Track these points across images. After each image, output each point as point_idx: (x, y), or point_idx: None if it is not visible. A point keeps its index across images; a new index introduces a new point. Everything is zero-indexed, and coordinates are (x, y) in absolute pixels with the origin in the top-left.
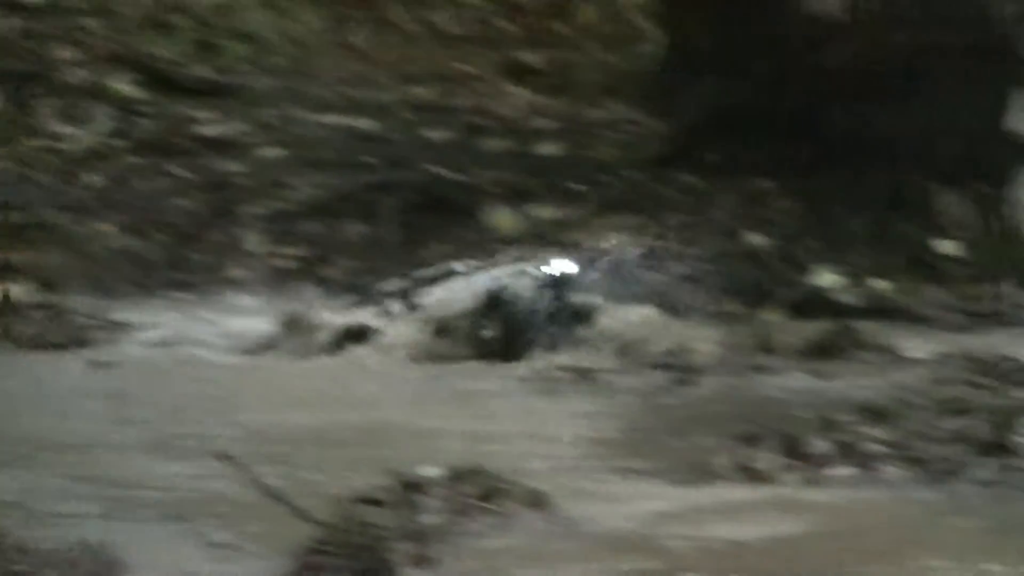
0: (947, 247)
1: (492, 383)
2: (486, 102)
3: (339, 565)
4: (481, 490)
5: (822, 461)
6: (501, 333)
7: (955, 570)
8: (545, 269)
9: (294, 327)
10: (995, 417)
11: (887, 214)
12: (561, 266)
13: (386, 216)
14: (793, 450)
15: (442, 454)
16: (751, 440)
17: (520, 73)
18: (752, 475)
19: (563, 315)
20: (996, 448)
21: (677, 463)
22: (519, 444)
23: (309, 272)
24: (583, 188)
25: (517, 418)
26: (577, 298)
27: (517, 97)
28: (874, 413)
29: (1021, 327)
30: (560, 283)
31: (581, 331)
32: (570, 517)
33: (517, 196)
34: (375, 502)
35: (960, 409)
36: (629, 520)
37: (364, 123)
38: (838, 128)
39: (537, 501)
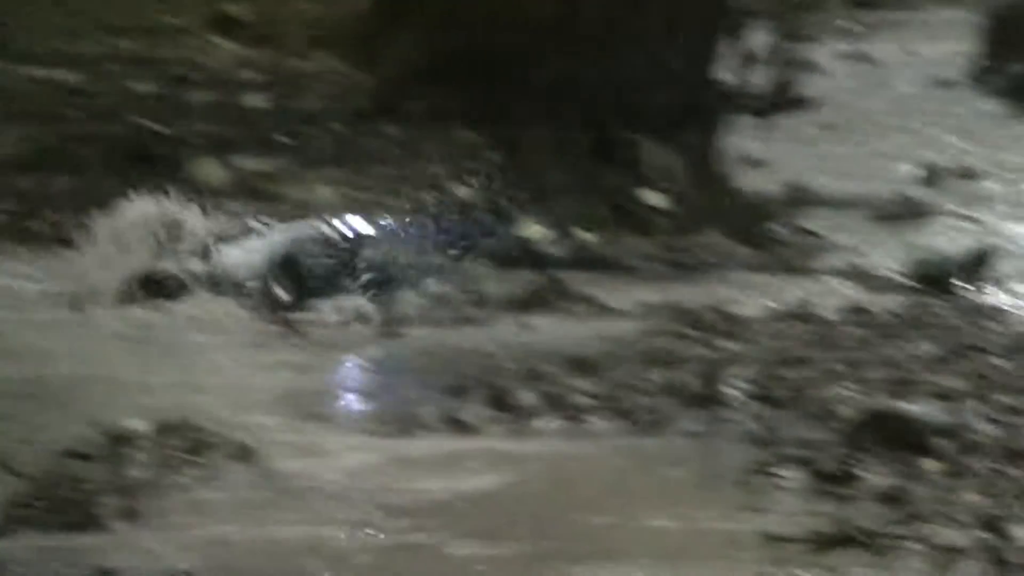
0: (653, 198)
1: (204, 336)
2: (192, 54)
3: (46, 519)
4: (188, 443)
5: (529, 413)
6: (293, 293)
7: (665, 519)
8: (340, 228)
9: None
10: (702, 368)
11: (593, 165)
12: (356, 225)
13: (91, 169)
14: (500, 402)
15: (150, 408)
16: (458, 392)
17: (226, 25)
18: (459, 427)
19: (355, 273)
20: (704, 399)
21: (384, 415)
22: (228, 396)
23: (16, 227)
24: (289, 140)
25: (227, 371)
26: (372, 256)
27: (223, 49)
28: (581, 365)
29: (727, 277)
30: (355, 242)
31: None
32: (277, 470)
33: (222, 148)
34: (82, 456)
35: (667, 360)
36: (335, 472)
37: (68, 75)
38: (543, 78)
39: (244, 454)
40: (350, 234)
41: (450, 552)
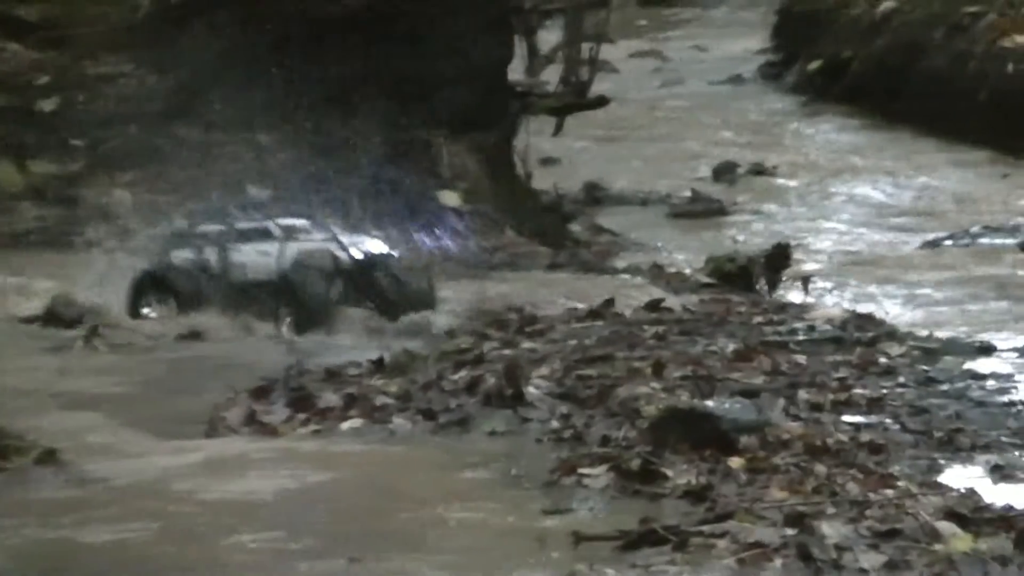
0: (449, 197)
1: (7, 340)
2: None
3: None
4: None
5: (333, 413)
6: (295, 314)
7: (472, 518)
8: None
9: None
10: (506, 368)
11: (390, 166)
12: (372, 246)
13: None
14: (304, 403)
15: None
16: (261, 394)
17: (16, 29)
18: (263, 428)
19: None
20: (508, 399)
21: (189, 418)
22: (34, 400)
23: None
24: (82, 143)
25: (33, 375)
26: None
27: (13, 53)
28: (384, 365)
29: (528, 277)
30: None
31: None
32: (83, 472)
33: (16, 151)
34: None
35: (471, 361)
36: (140, 475)
37: None
38: (342, 78)
39: (50, 457)
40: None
41: (252, 546)
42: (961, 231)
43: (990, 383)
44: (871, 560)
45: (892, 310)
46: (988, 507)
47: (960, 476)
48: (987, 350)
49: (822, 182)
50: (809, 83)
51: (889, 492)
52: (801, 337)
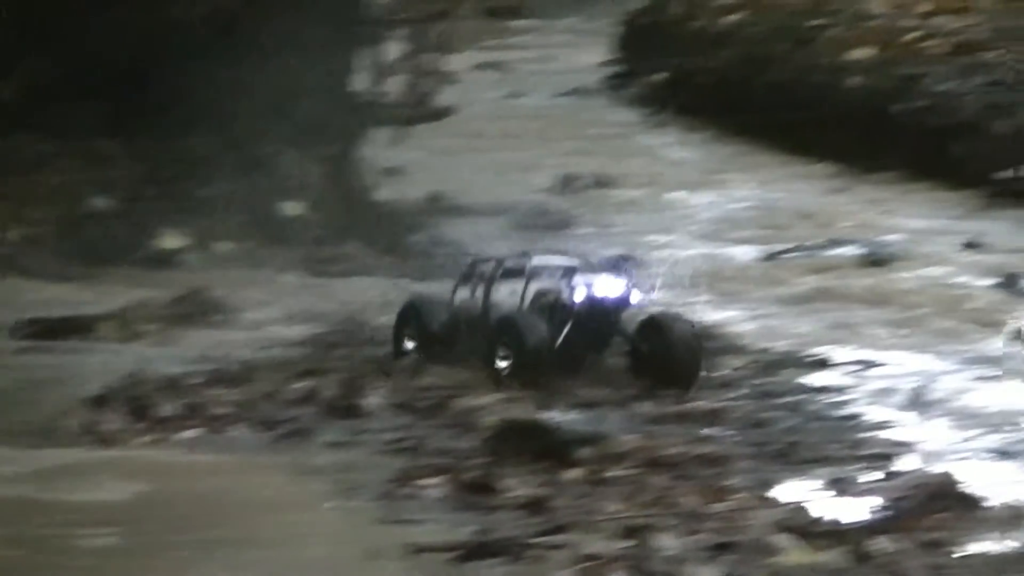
0: (292, 208)
1: None
2: None
3: None
4: None
5: (171, 423)
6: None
7: (302, 528)
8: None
9: None
10: (344, 378)
11: (234, 176)
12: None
13: None
14: (142, 412)
15: None
16: (99, 403)
17: None
18: (101, 438)
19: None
20: (345, 410)
21: (27, 426)
22: None
23: None
24: None
25: None
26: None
27: None
28: (222, 375)
29: (367, 281)
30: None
31: None
32: None
33: None
34: None
35: (308, 371)
36: None
37: None
38: (185, 88)
39: None
40: None
41: (85, 552)
42: (802, 244)
43: (826, 396)
44: (707, 573)
45: (731, 323)
46: (824, 520)
47: (797, 489)
48: (824, 364)
49: (665, 194)
50: (653, 95)
51: (726, 505)
52: None
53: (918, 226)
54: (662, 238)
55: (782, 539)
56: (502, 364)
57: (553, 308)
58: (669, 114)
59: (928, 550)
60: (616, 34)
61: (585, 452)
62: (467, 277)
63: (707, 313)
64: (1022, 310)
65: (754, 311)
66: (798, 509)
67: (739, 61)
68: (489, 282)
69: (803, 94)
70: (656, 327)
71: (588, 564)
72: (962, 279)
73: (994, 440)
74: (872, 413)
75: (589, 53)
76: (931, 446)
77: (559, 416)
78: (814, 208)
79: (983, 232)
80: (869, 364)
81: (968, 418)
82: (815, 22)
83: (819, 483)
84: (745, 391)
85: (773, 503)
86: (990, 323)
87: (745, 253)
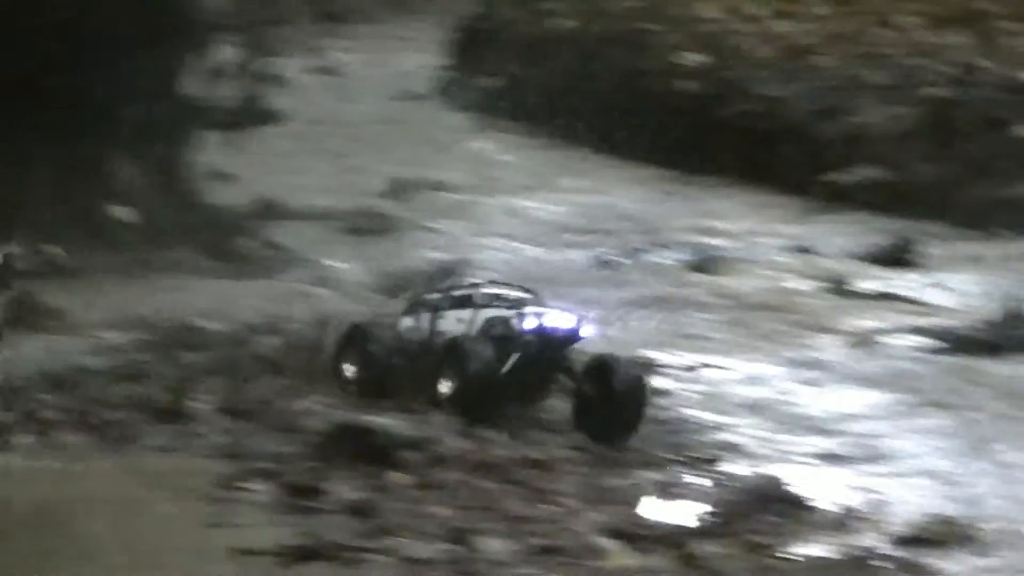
0: (121, 212)
1: None
2: None
3: None
4: None
5: (1, 429)
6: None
7: (129, 532)
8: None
9: None
10: (170, 382)
11: (63, 180)
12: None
13: None
14: None
15: None
16: None
17: None
18: None
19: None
20: (171, 414)
21: None
22: None
23: None
24: None
25: None
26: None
27: None
28: (52, 380)
29: (196, 290)
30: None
31: None
32: None
33: None
34: None
35: (135, 375)
36: None
37: None
38: (6, 92)
39: None
40: None
41: None
42: (630, 248)
43: (656, 400)
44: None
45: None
46: (650, 524)
47: (625, 493)
48: (653, 367)
49: (495, 199)
50: (485, 101)
51: (551, 509)
52: None
53: (747, 229)
54: (493, 242)
55: (607, 543)
56: (444, 390)
57: (502, 337)
58: (500, 119)
59: (754, 553)
60: (448, 40)
61: (411, 456)
62: (414, 306)
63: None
64: (851, 313)
65: (582, 314)
66: (624, 512)
67: (570, 67)
68: (436, 310)
69: (634, 99)
70: (602, 369)
71: (412, 567)
72: (791, 282)
73: (821, 443)
74: (701, 416)
75: (421, 58)
76: (758, 449)
77: (385, 419)
78: (644, 213)
79: (811, 236)
80: (699, 367)
81: (795, 422)
82: (646, 27)
83: (646, 487)
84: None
85: (599, 506)
86: (819, 326)
87: (574, 257)
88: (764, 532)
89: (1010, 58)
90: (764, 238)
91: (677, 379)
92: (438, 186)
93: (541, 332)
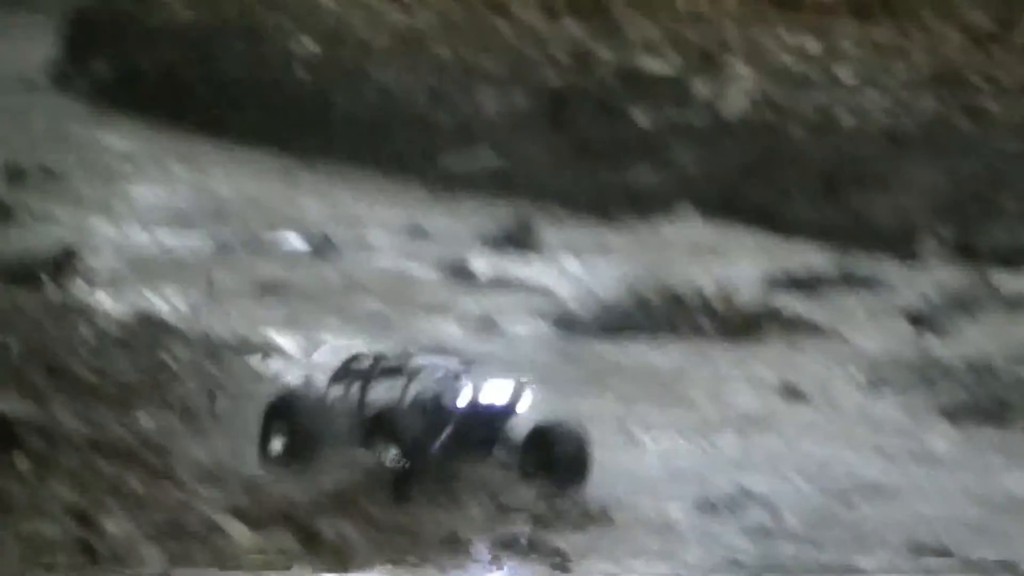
0: None
1: None
2: None
3: None
4: None
5: None
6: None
7: None
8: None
9: None
10: None
11: None
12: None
13: None
14: None
15: None
16: None
17: None
18: None
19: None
20: None
21: None
22: None
23: None
24: None
25: None
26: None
27: None
28: None
29: None
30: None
31: None
32: None
33: None
34: None
35: None
36: None
37: None
38: None
39: None
40: None
41: None
42: (246, 233)
43: (273, 383)
44: (153, 555)
45: (181, 311)
46: (272, 503)
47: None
48: (270, 350)
49: (112, 186)
50: (101, 89)
51: (172, 489)
52: (89, 338)
53: (364, 215)
54: (106, 229)
55: (229, 522)
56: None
57: (434, 410)
58: (116, 107)
59: (378, 530)
60: (60, 26)
61: (33, 438)
62: (342, 374)
63: (147, 301)
64: (468, 297)
65: (204, 299)
66: (245, 492)
67: (187, 55)
68: (366, 379)
69: (251, 87)
70: (541, 441)
71: (34, 546)
72: (408, 268)
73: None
74: None
75: (33, 45)
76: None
77: (4, 402)
78: (260, 198)
79: (428, 221)
80: (314, 350)
81: None
82: (264, 16)
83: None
84: (193, 380)
85: (221, 486)
86: (437, 311)
87: (191, 243)
88: (382, 510)
89: (626, 45)
90: (381, 224)
91: (293, 363)
92: (51, 173)
93: (475, 406)
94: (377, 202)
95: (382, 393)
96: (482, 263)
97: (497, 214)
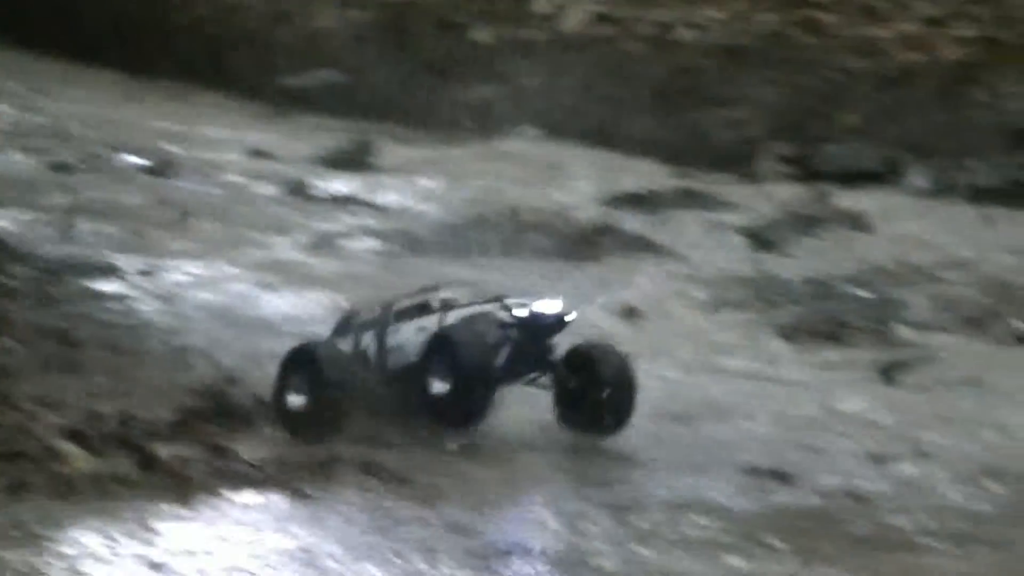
0: None
1: None
2: None
3: None
4: None
5: None
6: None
7: None
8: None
9: None
10: None
11: None
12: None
13: None
14: None
15: None
16: None
17: None
18: None
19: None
20: None
21: None
22: None
23: None
24: None
25: None
26: None
27: None
28: None
29: None
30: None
31: None
32: None
33: None
34: None
35: None
36: None
37: None
38: None
39: None
40: None
41: None
42: (85, 152)
43: (113, 304)
44: None
45: (18, 232)
46: (110, 426)
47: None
48: (110, 271)
49: None
50: None
51: (10, 414)
52: None
53: (204, 135)
54: None
55: (67, 446)
56: (437, 390)
57: (487, 331)
58: None
59: (214, 455)
60: None
61: None
62: (343, 328)
63: None
64: (309, 216)
65: (36, 217)
66: (85, 416)
67: None
68: (382, 327)
69: (89, 4)
70: (584, 360)
71: None
72: (248, 186)
73: (278, 345)
74: (159, 321)
75: None
76: (216, 352)
77: None
78: (100, 117)
79: (268, 140)
80: (156, 271)
81: (253, 324)
82: None
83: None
84: (29, 299)
85: (60, 410)
86: (276, 229)
87: (29, 161)
88: (222, 435)
89: None
90: (221, 143)
91: (133, 284)
92: None
93: (529, 321)
94: (217, 121)
95: (409, 334)
96: (322, 181)
97: (337, 131)
